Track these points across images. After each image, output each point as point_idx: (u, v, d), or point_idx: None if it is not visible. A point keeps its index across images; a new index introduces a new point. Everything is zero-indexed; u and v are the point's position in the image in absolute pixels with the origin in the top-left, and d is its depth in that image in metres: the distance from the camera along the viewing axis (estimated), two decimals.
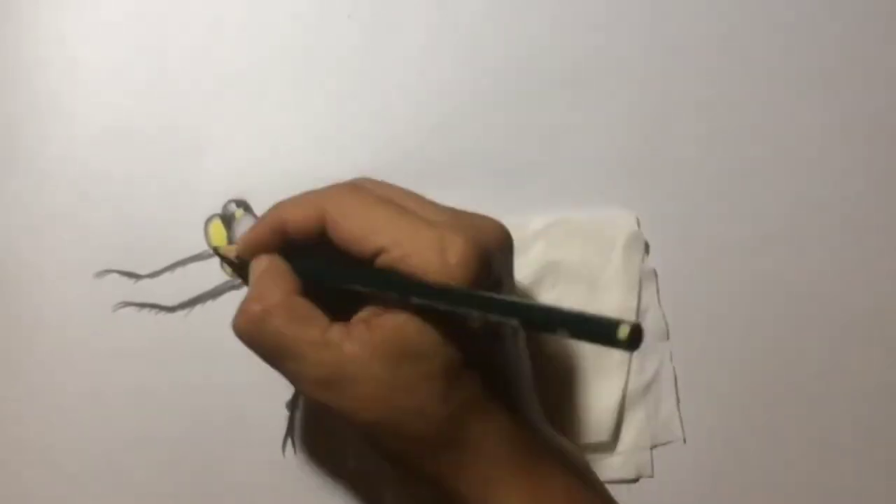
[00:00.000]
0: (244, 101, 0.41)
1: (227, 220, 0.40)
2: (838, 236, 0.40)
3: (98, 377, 0.39)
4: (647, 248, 0.40)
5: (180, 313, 0.39)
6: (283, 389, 0.39)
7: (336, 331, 0.28)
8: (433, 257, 0.27)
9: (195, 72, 0.42)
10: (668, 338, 0.40)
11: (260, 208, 0.40)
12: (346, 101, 0.41)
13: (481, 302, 0.26)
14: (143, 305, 0.39)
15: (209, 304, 0.39)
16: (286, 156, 0.41)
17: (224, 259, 0.37)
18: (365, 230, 0.29)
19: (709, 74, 0.41)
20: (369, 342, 0.28)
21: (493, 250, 0.29)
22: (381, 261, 0.28)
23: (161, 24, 0.42)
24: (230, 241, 0.40)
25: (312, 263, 0.31)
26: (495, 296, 0.27)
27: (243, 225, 0.40)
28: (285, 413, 0.39)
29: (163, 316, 0.39)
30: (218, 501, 0.38)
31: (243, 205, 0.40)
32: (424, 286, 0.27)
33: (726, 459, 0.40)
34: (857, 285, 0.40)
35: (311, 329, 0.29)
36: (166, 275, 0.40)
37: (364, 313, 0.29)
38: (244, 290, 0.39)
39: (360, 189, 0.31)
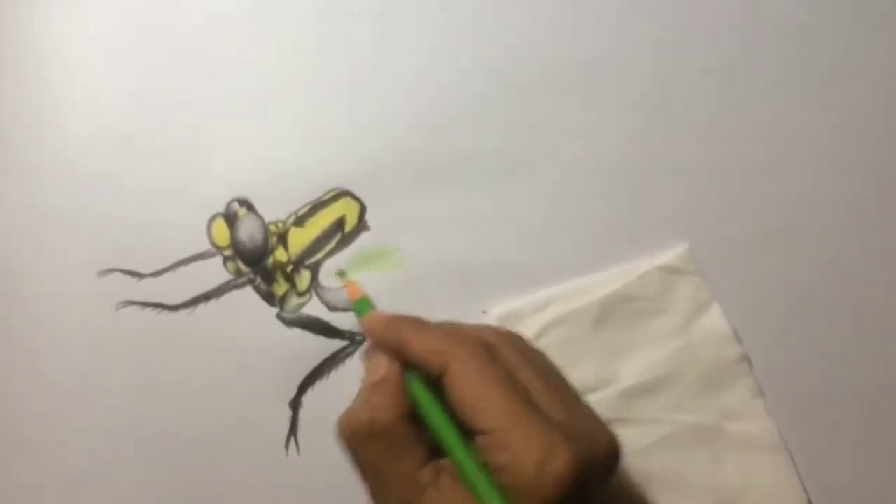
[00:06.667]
0: (245, 100, 0.41)
1: (230, 218, 0.40)
2: (838, 236, 0.40)
3: (100, 376, 0.39)
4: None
5: (183, 312, 0.39)
6: (286, 388, 0.39)
7: (427, 473, 0.29)
8: (530, 465, 0.27)
9: (196, 72, 0.42)
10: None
11: (262, 207, 0.40)
12: (347, 101, 0.41)
13: None
14: (145, 304, 0.39)
15: (212, 303, 0.39)
16: (287, 155, 0.41)
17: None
18: (479, 405, 0.28)
19: (711, 74, 0.41)
20: (450, 497, 0.28)
21: (595, 471, 0.28)
22: (481, 442, 0.28)
23: (161, 25, 0.42)
24: (232, 239, 0.40)
25: (425, 391, 0.30)
26: None
27: (246, 224, 0.40)
28: (288, 412, 0.39)
29: (165, 315, 0.39)
30: (220, 501, 0.38)
31: (246, 203, 0.40)
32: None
33: None
34: (858, 285, 0.40)
35: (405, 462, 0.29)
36: (169, 274, 0.40)
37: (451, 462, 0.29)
38: (247, 290, 0.40)
39: (491, 358, 0.30)
